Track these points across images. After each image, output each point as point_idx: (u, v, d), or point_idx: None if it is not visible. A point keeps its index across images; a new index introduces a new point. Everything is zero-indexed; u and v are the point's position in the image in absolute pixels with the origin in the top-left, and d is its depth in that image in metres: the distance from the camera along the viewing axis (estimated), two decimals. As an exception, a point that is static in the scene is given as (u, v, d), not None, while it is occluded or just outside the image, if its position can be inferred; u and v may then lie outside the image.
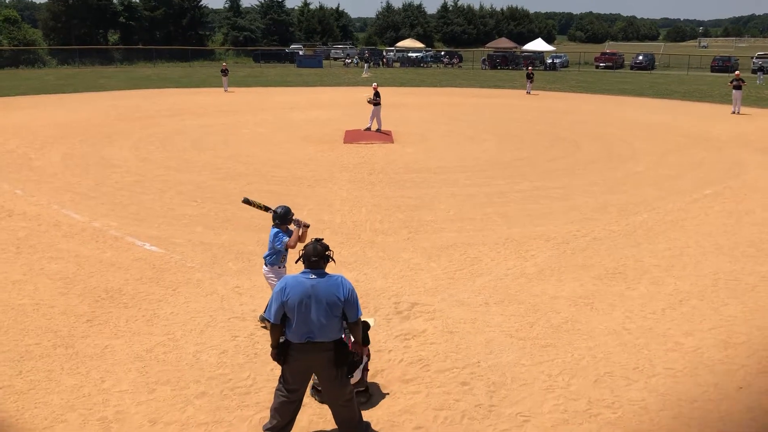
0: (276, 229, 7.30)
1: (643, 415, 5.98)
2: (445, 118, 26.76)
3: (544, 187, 14.91)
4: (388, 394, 6.35)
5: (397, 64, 63.68)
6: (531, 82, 38.01)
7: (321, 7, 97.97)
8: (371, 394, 6.28)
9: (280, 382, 5.43)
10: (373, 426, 5.79)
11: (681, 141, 21.56)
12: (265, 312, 5.34)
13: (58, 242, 10.82)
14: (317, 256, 5.26)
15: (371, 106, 22.07)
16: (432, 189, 14.57)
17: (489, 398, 6.25)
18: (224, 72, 38.17)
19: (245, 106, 30.38)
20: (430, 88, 41.84)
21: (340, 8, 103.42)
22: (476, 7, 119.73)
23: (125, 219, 12.11)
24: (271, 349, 5.35)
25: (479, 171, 16.57)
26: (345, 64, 63.79)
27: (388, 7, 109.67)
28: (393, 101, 32.48)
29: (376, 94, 22.02)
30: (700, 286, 9.10)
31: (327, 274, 5.29)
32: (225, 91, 37.38)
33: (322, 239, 5.44)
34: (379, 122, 22.23)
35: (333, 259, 5.42)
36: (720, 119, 27.26)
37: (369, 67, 54.67)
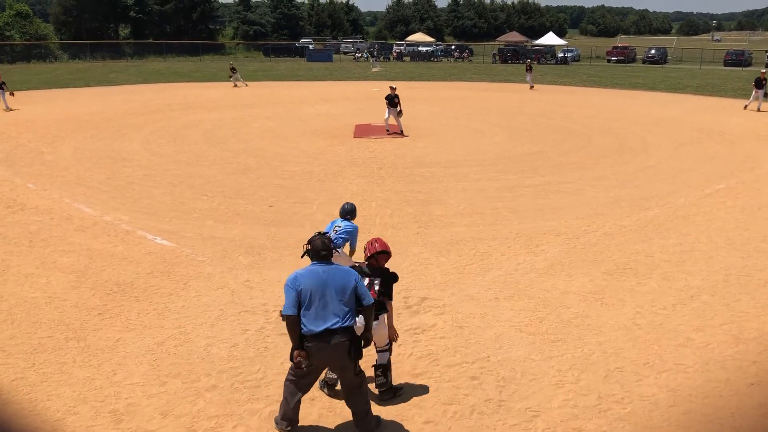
0: (349, 224, 7.83)
1: (653, 411, 5.96)
2: (455, 112, 26.68)
3: (554, 181, 14.85)
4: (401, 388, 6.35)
5: (408, 58, 63.51)
6: (530, 73, 38.12)
7: (331, 1, 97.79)
8: (396, 390, 6.26)
9: (291, 373, 5.47)
10: (382, 420, 5.82)
11: (693, 135, 21.39)
12: (282, 311, 5.33)
13: (70, 236, 10.89)
14: (326, 250, 5.40)
15: (385, 103, 20.84)
16: (442, 183, 14.55)
17: (498, 393, 6.25)
18: (233, 70, 37.86)
19: (255, 100, 30.42)
20: (440, 82, 41.72)
21: (350, 2, 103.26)
22: (487, 0, 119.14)
23: (136, 213, 12.17)
24: (291, 352, 5.29)
25: (489, 165, 16.52)
26: (355, 58, 63.70)
27: (398, 1, 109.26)
28: (403, 95, 32.28)
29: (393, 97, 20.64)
30: (711, 282, 9.05)
31: (335, 264, 5.46)
32: (234, 86, 36.98)
33: (327, 233, 5.56)
34: (387, 121, 20.86)
35: (338, 251, 5.46)
36: (733, 113, 27.02)
37: (376, 60, 54.29)
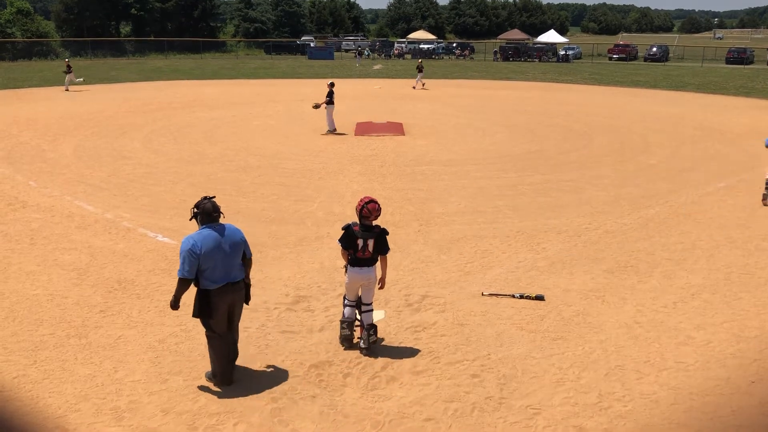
0: None
1: (654, 409, 5.96)
2: (456, 110, 26.66)
3: (555, 179, 14.85)
4: (399, 384, 6.37)
5: (409, 56, 63.46)
6: (421, 73, 35.39)
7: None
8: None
9: (211, 330, 6.15)
10: (383, 417, 5.84)
11: (695, 134, 21.37)
12: (179, 273, 5.92)
13: (71, 233, 10.90)
14: (217, 212, 6.12)
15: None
16: (443, 181, 14.55)
17: (499, 390, 6.26)
18: (69, 68, 32.91)
19: (256, 98, 30.42)
20: (441, 80, 41.66)
21: (352, 0, 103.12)
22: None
23: (138, 210, 12.18)
24: (174, 301, 6.05)
25: (490, 163, 16.52)
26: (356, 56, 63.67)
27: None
28: (404, 93, 32.45)
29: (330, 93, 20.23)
30: (712, 280, 9.05)
31: (222, 224, 6.16)
32: (66, 90, 32.30)
33: (214, 197, 6.27)
34: (330, 123, 20.60)
35: (223, 214, 6.18)
36: (734, 112, 26.99)
37: (359, 57, 53.78)
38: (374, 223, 6.78)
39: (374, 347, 6.99)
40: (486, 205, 12.74)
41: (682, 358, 6.86)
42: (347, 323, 6.92)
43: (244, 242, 6.23)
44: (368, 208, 6.65)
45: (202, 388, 6.27)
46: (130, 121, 22.82)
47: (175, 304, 6.08)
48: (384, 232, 6.79)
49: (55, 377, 6.41)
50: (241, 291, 6.25)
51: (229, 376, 6.28)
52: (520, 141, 19.79)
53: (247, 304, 6.44)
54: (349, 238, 6.68)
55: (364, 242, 6.66)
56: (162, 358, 6.80)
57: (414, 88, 34.94)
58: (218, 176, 14.91)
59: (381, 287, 7.03)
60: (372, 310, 7.00)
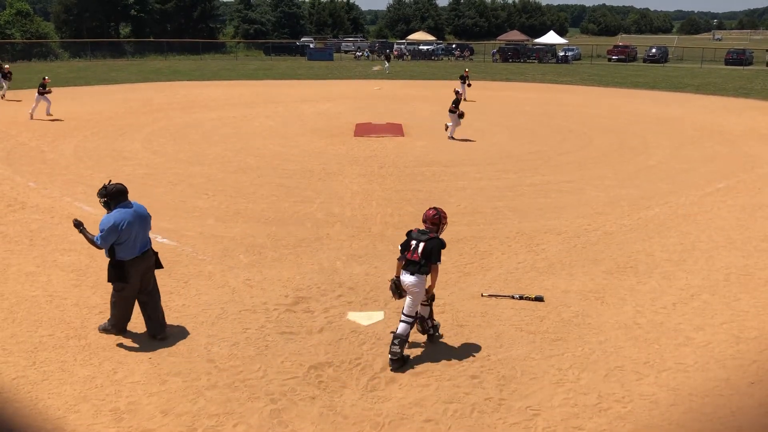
0: None
1: (653, 410, 5.96)
2: (455, 111, 26.59)
3: (555, 180, 14.85)
4: (398, 387, 6.37)
5: (408, 57, 63.45)
6: (467, 85, 30.45)
7: (332, 0, 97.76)
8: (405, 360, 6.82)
9: (119, 292, 6.98)
10: (383, 418, 5.84)
11: (694, 134, 21.38)
12: (97, 239, 6.73)
13: (70, 234, 10.84)
14: (126, 191, 6.94)
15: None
16: (442, 182, 14.55)
17: (499, 392, 6.26)
18: (6, 76, 29.38)
19: (256, 99, 30.41)
20: (440, 81, 41.62)
21: (351, 1, 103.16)
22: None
23: (137, 211, 12.15)
24: (81, 231, 6.99)
25: (490, 164, 16.52)
26: (355, 57, 63.64)
27: (399, 0, 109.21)
28: (403, 94, 32.45)
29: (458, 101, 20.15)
30: (711, 281, 9.05)
31: (131, 202, 6.99)
32: (1, 98, 29.06)
33: (110, 181, 7.04)
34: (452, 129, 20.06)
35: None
36: (733, 113, 27.00)
37: (389, 63, 49.69)
38: (434, 233, 6.84)
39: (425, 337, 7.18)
40: (485, 205, 12.75)
41: (681, 359, 6.87)
42: (399, 339, 6.69)
43: (150, 217, 7.18)
44: (426, 214, 6.95)
45: (201, 389, 6.26)
46: (130, 122, 22.81)
47: (79, 228, 6.99)
48: (436, 239, 6.77)
49: (55, 378, 6.41)
50: (152, 258, 7.14)
51: (123, 327, 7.20)
52: (520, 142, 19.80)
53: (162, 267, 7.37)
54: (406, 240, 6.85)
55: (417, 243, 6.74)
56: (161, 360, 6.80)
57: (465, 99, 28.63)
58: (218, 177, 14.90)
59: (428, 295, 6.94)
60: (404, 323, 6.75)
